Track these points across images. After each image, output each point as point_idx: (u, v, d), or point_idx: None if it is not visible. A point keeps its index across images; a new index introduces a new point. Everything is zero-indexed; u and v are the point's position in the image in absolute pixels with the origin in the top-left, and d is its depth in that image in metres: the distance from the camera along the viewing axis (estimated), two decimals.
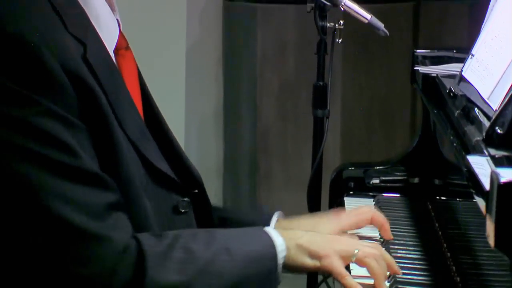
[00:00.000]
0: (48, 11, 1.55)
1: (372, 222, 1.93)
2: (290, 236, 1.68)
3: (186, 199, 1.73)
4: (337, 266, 1.67)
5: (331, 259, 1.67)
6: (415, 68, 2.42)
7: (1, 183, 1.48)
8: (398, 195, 2.44)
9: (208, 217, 1.83)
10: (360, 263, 1.70)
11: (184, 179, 1.76)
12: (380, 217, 1.92)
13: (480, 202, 1.49)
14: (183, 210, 1.72)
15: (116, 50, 1.69)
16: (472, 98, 1.93)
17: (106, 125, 1.56)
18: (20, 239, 1.51)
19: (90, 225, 1.50)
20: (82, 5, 1.62)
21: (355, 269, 1.73)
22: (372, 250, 1.72)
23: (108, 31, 1.66)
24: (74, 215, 1.48)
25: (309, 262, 1.67)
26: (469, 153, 1.70)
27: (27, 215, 1.49)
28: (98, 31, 1.63)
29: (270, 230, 1.69)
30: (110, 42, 1.67)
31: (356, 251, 1.68)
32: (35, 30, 1.50)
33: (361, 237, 1.91)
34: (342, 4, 2.24)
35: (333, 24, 2.30)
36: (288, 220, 1.90)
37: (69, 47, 1.53)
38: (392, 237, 1.94)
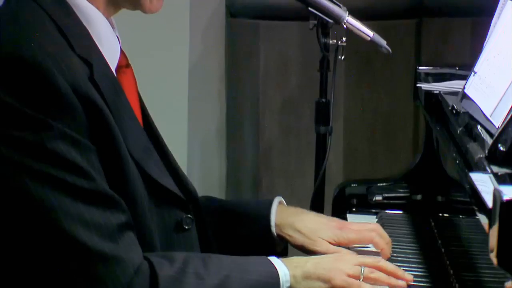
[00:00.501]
0: (55, 33, 1.57)
1: (375, 245, 1.94)
2: (295, 264, 1.70)
3: (189, 215, 1.74)
4: (350, 281, 1.69)
5: (339, 278, 1.69)
6: (418, 85, 2.42)
7: (17, 206, 1.51)
8: (400, 212, 2.44)
9: (205, 232, 1.84)
10: (369, 280, 1.71)
11: (184, 194, 1.77)
12: (381, 242, 1.93)
13: (483, 220, 1.49)
14: (186, 227, 1.73)
15: (117, 68, 1.71)
16: (475, 116, 1.93)
17: (114, 144, 1.59)
18: (36, 261, 1.53)
19: (105, 246, 1.52)
20: (85, 24, 1.63)
21: None
22: (375, 263, 1.75)
23: (110, 49, 1.68)
24: (89, 237, 1.51)
25: (321, 286, 1.69)
26: (471, 170, 1.70)
27: (43, 237, 1.51)
28: (100, 49, 1.65)
29: (275, 260, 1.70)
30: (112, 60, 1.68)
31: (362, 269, 1.70)
32: (47, 54, 1.52)
33: (361, 252, 1.92)
34: (345, 21, 2.24)
35: (335, 41, 2.31)
36: (288, 211, 1.93)
37: (78, 68, 1.56)
38: (389, 255, 1.95)
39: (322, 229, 1.91)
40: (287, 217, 1.93)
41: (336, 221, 1.99)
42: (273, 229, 1.93)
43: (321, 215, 2.07)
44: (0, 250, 1.54)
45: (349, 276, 1.70)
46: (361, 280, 1.70)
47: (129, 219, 1.58)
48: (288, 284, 1.66)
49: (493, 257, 1.41)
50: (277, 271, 1.66)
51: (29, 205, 1.50)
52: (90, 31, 1.64)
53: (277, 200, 1.96)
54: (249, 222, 1.92)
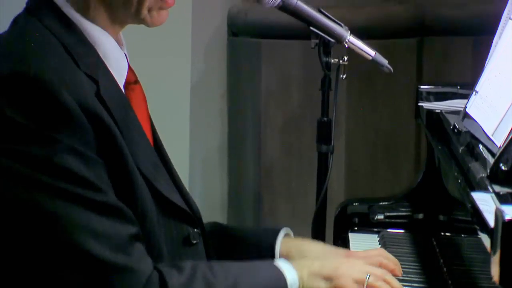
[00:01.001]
0: (61, 51, 1.60)
1: (382, 267, 1.93)
2: (302, 265, 1.74)
3: (197, 230, 1.76)
4: (354, 284, 1.72)
5: (344, 279, 1.72)
6: (419, 104, 2.42)
7: (29, 220, 1.53)
8: (402, 231, 2.44)
9: (209, 250, 1.85)
10: None
11: (190, 210, 1.79)
12: (389, 264, 1.93)
13: (485, 239, 1.49)
14: (194, 241, 1.76)
15: (126, 84, 1.74)
16: (476, 135, 1.93)
17: (122, 160, 1.62)
18: (49, 274, 1.55)
19: (116, 258, 1.54)
20: (91, 43, 1.65)
21: None
22: (382, 274, 1.77)
23: (118, 66, 1.70)
24: (100, 248, 1.53)
25: (323, 285, 1.72)
26: (473, 189, 1.70)
27: (55, 250, 1.53)
28: (108, 67, 1.67)
29: (282, 263, 1.73)
30: (120, 77, 1.71)
31: (368, 276, 1.72)
32: (54, 71, 1.55)
33: None
34: (346, 40, 2.25)
35: (337, 60, 2.31)
36: (295, 241, 1.93)
37: (84, 85, 1.59)
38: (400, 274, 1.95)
39: (329, 257, 1.92)
40: (294, 246, 1.94)
41: (342, 250, 2.02)
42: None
43: (327, 245, 2.08)
44: (13, 264, 1.56)
45: (354, 280, 1.72)
46: (365, 286, 1.72)
47: (139, 230, 1.61)
48: (296, 286, 1.70)
49: (494, 276, 1.41)
50: (284, 275, 1.70)
51: (40, 219, 1.52)
52: (96, 49, 1.66)
53: (283, 231, 1.96)
54: (254, 252, 1.93)
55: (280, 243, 1.93)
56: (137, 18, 1.69)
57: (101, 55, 1.67)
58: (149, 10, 1.68)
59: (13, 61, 1.57)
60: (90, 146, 1.56)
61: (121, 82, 1.71)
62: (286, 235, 1.97)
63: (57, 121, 1.53)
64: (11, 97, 1.53)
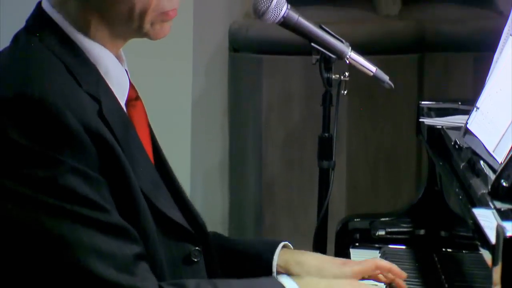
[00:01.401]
0: (63, 71, 1.60)
1: (379, 269, 1.94)
2: (307, 283, 1.75)
3: (198, 248, 1.76)
4: None
5: None
6: (421, 119, 2.43)
7: (33, 241, 1.53)
8: (404, 246, 2.43)
9: (214, 264, 1.85)
10: None
11: (193, 227, 1.78)
12: (385, 262, 1.94)
13: (486, 255, 1.49)
14: (195, 260, 1.75)
15: (127, 101, 1.73)
16: (477, 151, 1.94)
17: (125, 179, 1.62)
18: None
19: (121, 277, 1.54)
20: (92, 61, 1.65)
21: None
22: None
23: (119, 84, 1.70)
24: (105, 268, 1.53)
25: None
26: (474, 206, 1.70)
27: (60, 270, 1.53)
28: (109, 85, 1.67)
29: (287, 281, 1.73)
30: (121, 94, 1.71)
31: None
32: (57, 93, 1.55)
33: None
34: (347, 56, 2.25)
35: (338, 75, 2.31)
36: (293, 252, 1.93)
37: (86, 105, 1.59)
38: (406, 275, 1.95)
39: (327, 265, 1.92)
40: (291, 257, 1.94)
41: (339, 259, 2.01)
42: (275, 274, 1.93)
43: (324, 255, 2.08)
44: (17, 284, 1.56)
45: None
46: None
47: (143, 249, 1.61)
48: None
49: None
50: None
51: (45, 240, 1.52)
52: (97, 67, 1.66)
53: (281, 244, 1.97)
54: (251, 264, 1.93)
55: (278, 255, 1.93)
56: (140, 33, 1.69)
57: (102, 73, 1.67)
58: (152, 24, 1.68)
59: (16, 83, 1.56)
60: (93, 166, 1.56)
61: (122, 99, 1.71)
62: (285, 246, 1.97)
63: (60, 142, 1.53)
64: (15, 119, 1.53)
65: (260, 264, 1.92)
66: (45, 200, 1.52)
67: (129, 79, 1.74)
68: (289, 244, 1.99)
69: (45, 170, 1.52)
